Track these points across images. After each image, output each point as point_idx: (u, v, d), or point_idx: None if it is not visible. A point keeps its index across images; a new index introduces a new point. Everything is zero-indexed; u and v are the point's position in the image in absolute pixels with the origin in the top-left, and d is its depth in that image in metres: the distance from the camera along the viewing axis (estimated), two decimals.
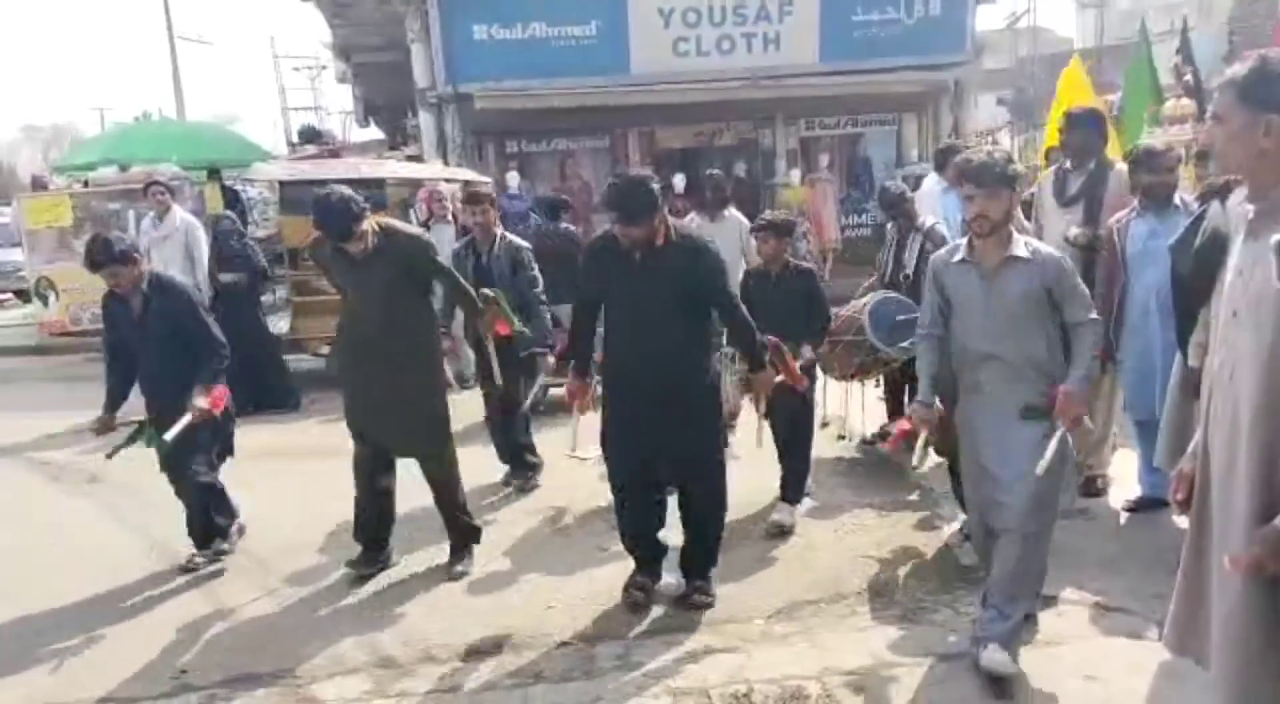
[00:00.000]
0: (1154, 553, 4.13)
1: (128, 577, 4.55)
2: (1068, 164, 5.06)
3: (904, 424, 3.93)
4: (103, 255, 4.36)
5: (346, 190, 4.17)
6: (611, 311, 3.94)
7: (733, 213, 6.74)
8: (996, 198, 3.19)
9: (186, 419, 4.34)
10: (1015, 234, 3.32)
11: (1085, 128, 4.97)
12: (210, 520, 4.65)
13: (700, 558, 4.07)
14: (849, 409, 5.88)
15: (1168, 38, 18.13)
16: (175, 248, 7.91)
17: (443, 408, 4.43)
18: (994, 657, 3.20)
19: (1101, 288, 4.51)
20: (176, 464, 4.51)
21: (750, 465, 4.93)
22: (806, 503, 5.05)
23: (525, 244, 5.68)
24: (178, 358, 4.47)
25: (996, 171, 3.19)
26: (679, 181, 12.04)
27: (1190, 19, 12.09)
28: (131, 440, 4.56)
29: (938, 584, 4.07)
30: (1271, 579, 2.11)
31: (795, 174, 13.39)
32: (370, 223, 4.19)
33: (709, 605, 3.94)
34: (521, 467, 5.67)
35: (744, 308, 4.02)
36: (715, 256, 3.83)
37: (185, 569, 4.57)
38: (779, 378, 4.39)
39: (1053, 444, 3.21)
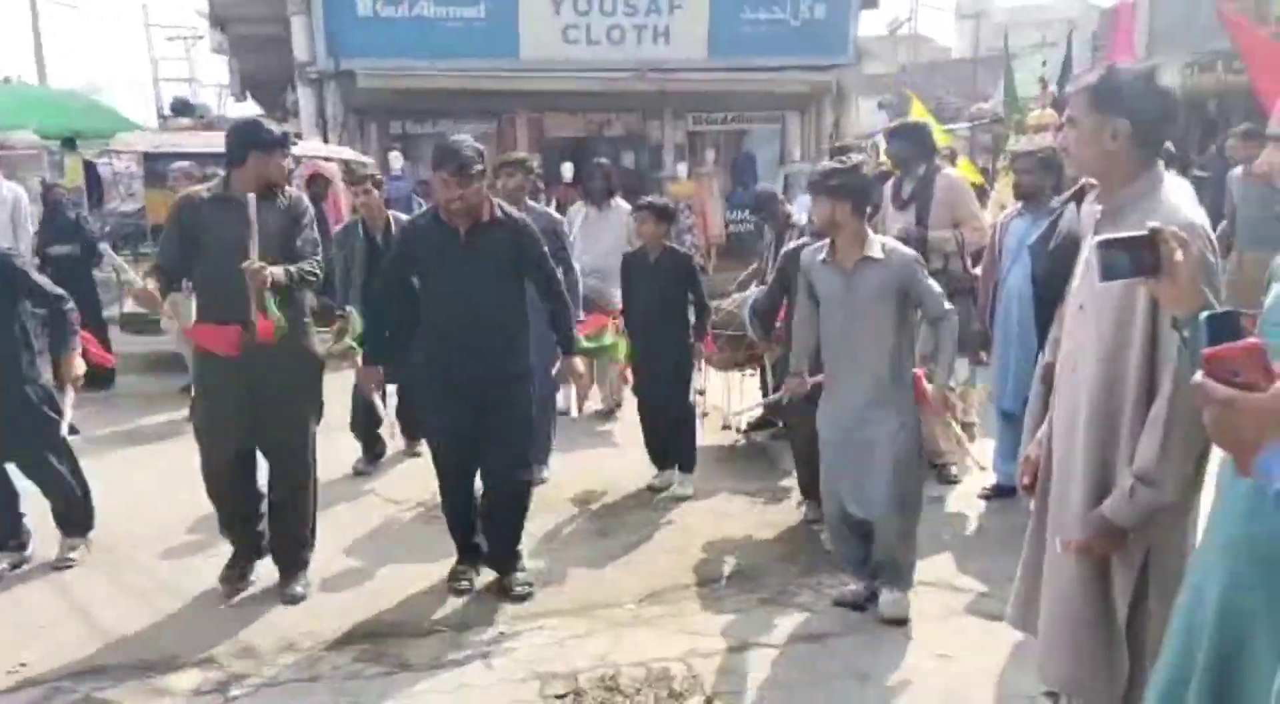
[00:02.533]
0: (1006, 538, 4.32)
1: None
2: (900, 172, 5.39)
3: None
4: None
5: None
6: (432, 292, 3.78)
7: (619, 202, 6.75)
8: (825, 206, 3.46)
9: (69, 399, 4.08)
10: (871, 236, 3.52)
11: (902, 140, 5.36)
12: (81, 501, 4.38)
13: (510, 549, 4.01)
14: (730, 400, 5.99)
15: (1039, 50, 19.09)
16: None
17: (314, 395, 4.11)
18: (889, 597, 3.61)
19: (981, 283, 4.80)
20: (34, 451, 4.22)
21: (625, 451, 4.98)
22: (684, 488, 5.12)
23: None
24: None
25: (824, 181, 3.46)
26: (567, 170, 11.98)
27: (1061, 35, 12.73)
28: None
29: (803, 568, 4.18)
30: (1100, 561, 2.25)
31: (682, 168, 13.52)
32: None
33: (529, 594, 3.92)
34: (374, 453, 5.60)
35: (563, 285, 4.02)
36: (535, 231, 3.86)
37: (57, 566, 4.28)
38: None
39: (908, 430, 3.50)
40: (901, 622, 3.58)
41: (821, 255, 3.59)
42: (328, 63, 12.17)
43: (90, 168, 10.55)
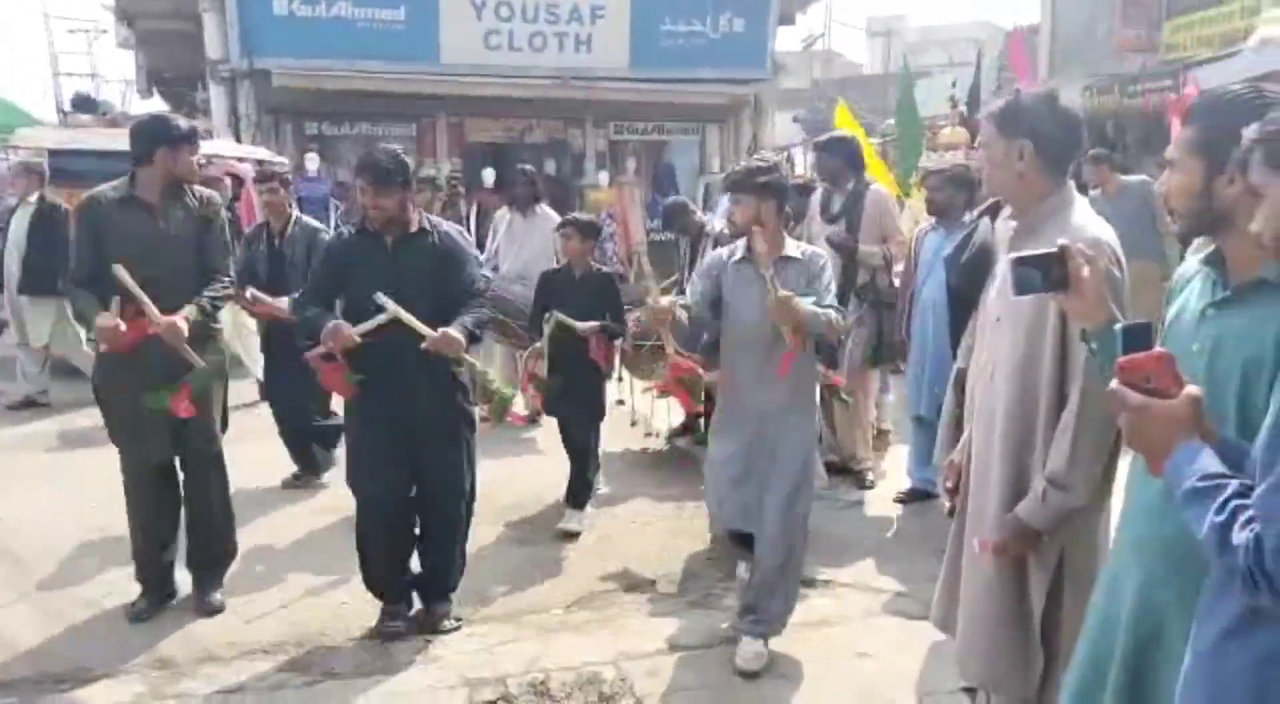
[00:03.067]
0: (922, 540, 4.50)
1: None
2: (829, 185, 5.44)
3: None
4: None
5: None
6: (359, 302, 3.53)
7: (545, 209, 6.76)
8: (749, 204, 3.39)
9: None
10: (788, 237, 3.54)
11: (832, 153, 5.41)
12: None
13: (444, 578, 3.84)
14: (653, 407, 6.06)
15: (948, 69, 19.73)
16: None
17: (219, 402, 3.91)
18: (746, 650, 3.42)
19: (899, 295, 4.96)
20: None
21: (548, 458, 4.99)
22: (601, 490, 5.13)
23: (322, 227, 5.44)
24: None
25: (749, 179, 3.40)
26: (488, 176, 11.94)
27: (968, 55, 13.22)
28: None
29: (727, 572, 4.25)
30: (1016, 561, 2.36)
31: (604, 176, 13.59)
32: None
33: (456, 629, 3.75)
34: (311, 464, 5.46)
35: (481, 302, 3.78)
36: (464, 243, 3.78)
37: None
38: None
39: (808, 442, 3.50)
40: (754, 675, 3.36)
41: (738, 256, 3.49)
42: (241, 61, 11.90)
43: None
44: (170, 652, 3.54)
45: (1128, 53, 13.96)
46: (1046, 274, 1.78)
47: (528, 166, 7.29)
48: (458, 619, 3.79)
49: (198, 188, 3.88)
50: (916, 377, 4.91)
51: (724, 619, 3.78)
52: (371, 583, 3.77)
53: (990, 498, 2.42)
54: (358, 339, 3.41)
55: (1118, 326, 1.50)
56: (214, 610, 3.83)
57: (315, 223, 5.41)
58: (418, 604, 3.83)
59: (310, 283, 3.80)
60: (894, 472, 5.40)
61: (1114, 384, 1.44)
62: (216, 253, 3.80)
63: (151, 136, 3.63)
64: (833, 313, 3.35)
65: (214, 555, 3.96)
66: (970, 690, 2.89)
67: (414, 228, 3.58)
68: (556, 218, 6.62)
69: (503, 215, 6.99)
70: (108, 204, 3.67)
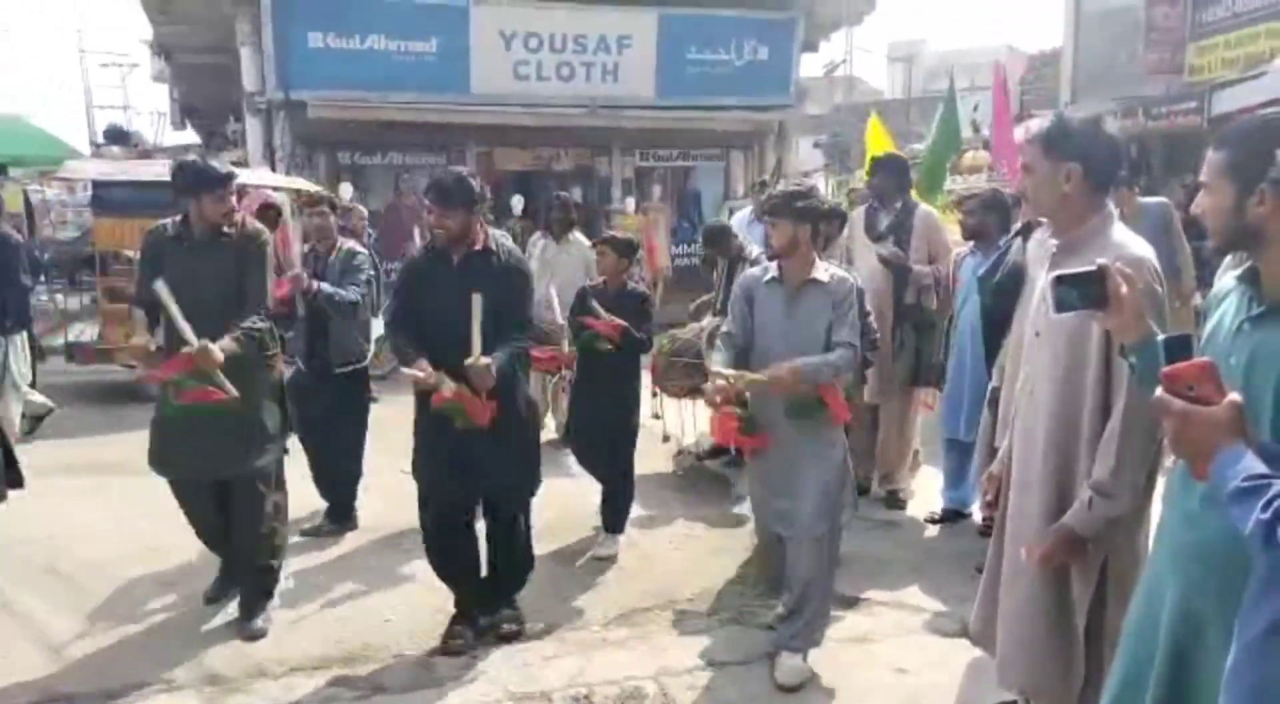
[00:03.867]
0: (956, 559, 4.53)
1: None
2: (875, 203, 5.50)
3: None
4: None
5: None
6: (423, 319, 3.74)
7: (578, 236, 6.85)
8: (787, 227, 3.50)
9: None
10: (819, 260, 3.63)
11: (887, 173, 5.47)
12: None
13: (509, 585, 3.99)
14: (684, 427, 6.12)
15: (967, 94, 19.80)
16: None
17: (272, 424, 4.01)
18: (786, 665, 3.48)
19: (939, 317, 5.05)
20: None
21: (581, 479, 5.06)
22: (606, 548, 4.97)
23: (361, 249, 5.56)
24: None
25: (789, 203, 3.50)
26: (517, 204, 12.11)
27: (989, 79, 13.25)
28: None
29: (762, 591, 4.30)
30: (1059, 568, 2.41)
31: (630, 202, 13.74)
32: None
33: (518, 632, 3.87)
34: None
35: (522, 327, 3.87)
36: (527, 275, 3.88)
37: None
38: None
39: (836, 453, 3.55)
40: (794, 689, 3.43)
41: (769, 275, 3.62)
42: (277, 93, 12.15)
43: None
44: (221, 667, 3.62)
45: (1152, 75, 14.00)
46: (1086, 292, 1.84)
47: (563, 193, 7.42)
48: (519, 623, 3.88)
49: (249, 220, 4.07)
50: (955, 400, 4.89)
51: (760, 636, 3.83)
52: (443, 580, 3.93)
53: (1033, 509, 2.48)
54: (431, 381, 3.52)
55: (1160, 338, 1.57)
56: (257, 635, 3.89)
57: (357, 245, 5.44)
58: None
59: (394, 303, 3.96)
60: (923, 491, 5.43)
61: (1158, 392, 1.50)
62: (256, 285, 3.94)
63: (183, 183, 3.84)
64: (834, 356, 3.43)
65: (259, 582, 4.03)
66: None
67: (478, 246, 3.72)
68: (589, 244, 6.74)
69: (535, 241, 7.11)
70: (164, 236, 3.91)
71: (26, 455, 4.37)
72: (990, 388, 4.17)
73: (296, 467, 4.51)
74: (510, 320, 3.73)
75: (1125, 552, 2.36)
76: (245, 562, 4.03)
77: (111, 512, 5.25)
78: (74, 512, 5.02)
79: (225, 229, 3.89)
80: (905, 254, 5.19)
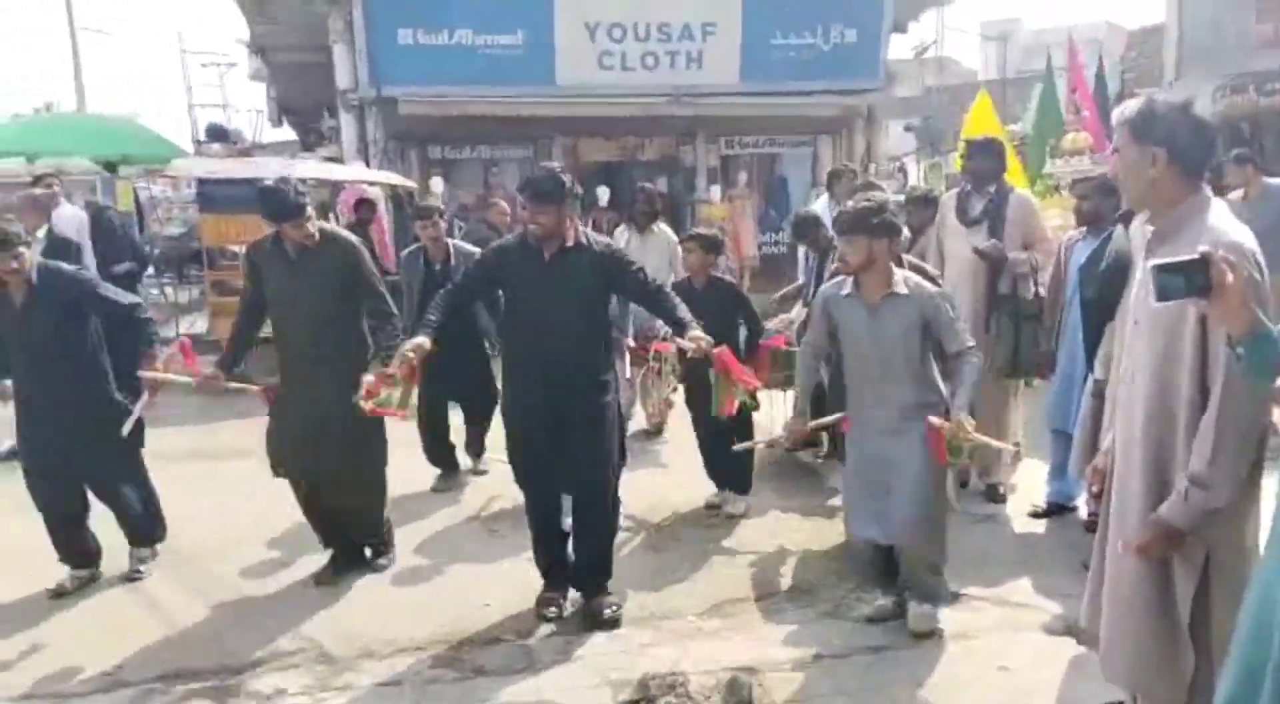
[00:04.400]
0: (1059, 554, 4.43)
1: (51, 577, 4.37)
2: (968, 187, 5.35)
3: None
4: None
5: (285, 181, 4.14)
6: (514, 312, 3.93)
7: (662, 227, 6.87)
8: (862, 243, 3.56)
9: (142, 400, 4.21)
10: (896, 272, 3.65)
11: (983, 155, 5.31)
12: (151, 513, 4.51)
13: (598, 570, 4.06)
14: (774, 417, 6.09)
15: (1066, 73, 19.17)
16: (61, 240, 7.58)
17: (371, 426, 4.16)
18: (916, 612, 3.71)
19: (1048, 305, 4.89)
20: (111, 466, 4.36)
21: (673, 471, 5.09)
22: (734, 507, 5.20)
23: (474, 250, 5.70)
24: (65, 352, 4.16)
25: (864, 220, 3.56)
26: (603, 194, 12.18)
27: (1089, 57, 12.87)
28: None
29: (857, 583, 4.27)
30: (1161, 562, 2.35)
31: (715, 190, 13.68)
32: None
33: (618, 618, 3.93)
34: (453, 468, 5.74)
35: (668, 291, 4.02)
36: (623, 256, 3.95)
37: (129, 578, 4.43)
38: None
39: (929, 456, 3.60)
40: (929, 634, 3.67)
41: (846, 290, 3.70)
42: (369, 89, 12.44)
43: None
44: (330, 647, 3.77)
45: (1264, 49, 13.34)
46: (1190, 281, 1.80)
47: (647, 185, 7.44)
48: (617, 606, 3.96)
49: (341, 233, 4.36)
50: (1065, 389, 4.73)
51: (856, 630, 3.81)
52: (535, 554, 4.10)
53: (1133, 500, 2.42)
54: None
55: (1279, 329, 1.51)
56: (381, 568, 4.47)
57: (469, 247, 5.73)
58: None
59: (462, 280, 4.07)
60: (1024, 485, 5.31)
61: (1278, 384, 1.45)
62: (371, 298, 4.20)
63: (265, 211, 4.07)
64: (965, 371, 3.56)
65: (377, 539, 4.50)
66: None
67: (570, 242, 3.78)
68: (673, 235, 6.76)
69: (621, 232, 7.15)
70: (264, 250, 4.18)
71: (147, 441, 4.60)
72: (1093, 379, 4.06)
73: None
74: (641, 294, 3.93)
75: (1227, 546, 2.28)
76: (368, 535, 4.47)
77: (226, 495, 5.49)
78: (192, 495, 5.24)
79: (327, 245, 4.14)
80: (1000, 240, 5.06)
